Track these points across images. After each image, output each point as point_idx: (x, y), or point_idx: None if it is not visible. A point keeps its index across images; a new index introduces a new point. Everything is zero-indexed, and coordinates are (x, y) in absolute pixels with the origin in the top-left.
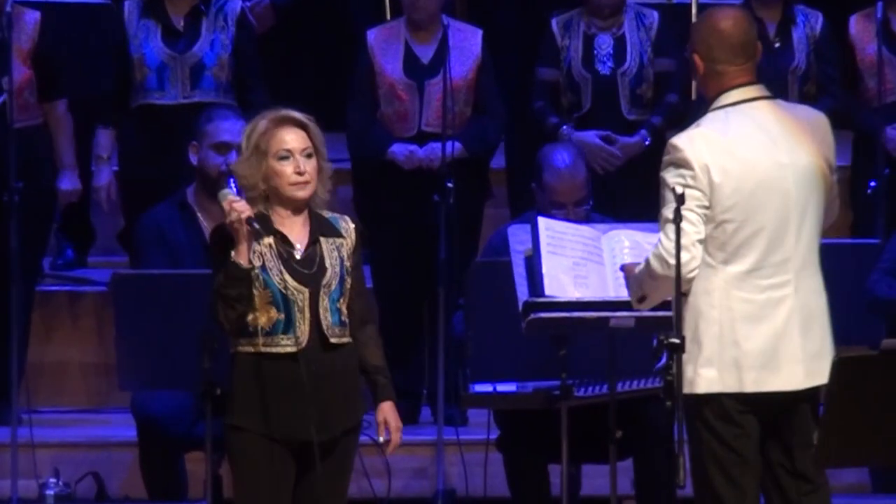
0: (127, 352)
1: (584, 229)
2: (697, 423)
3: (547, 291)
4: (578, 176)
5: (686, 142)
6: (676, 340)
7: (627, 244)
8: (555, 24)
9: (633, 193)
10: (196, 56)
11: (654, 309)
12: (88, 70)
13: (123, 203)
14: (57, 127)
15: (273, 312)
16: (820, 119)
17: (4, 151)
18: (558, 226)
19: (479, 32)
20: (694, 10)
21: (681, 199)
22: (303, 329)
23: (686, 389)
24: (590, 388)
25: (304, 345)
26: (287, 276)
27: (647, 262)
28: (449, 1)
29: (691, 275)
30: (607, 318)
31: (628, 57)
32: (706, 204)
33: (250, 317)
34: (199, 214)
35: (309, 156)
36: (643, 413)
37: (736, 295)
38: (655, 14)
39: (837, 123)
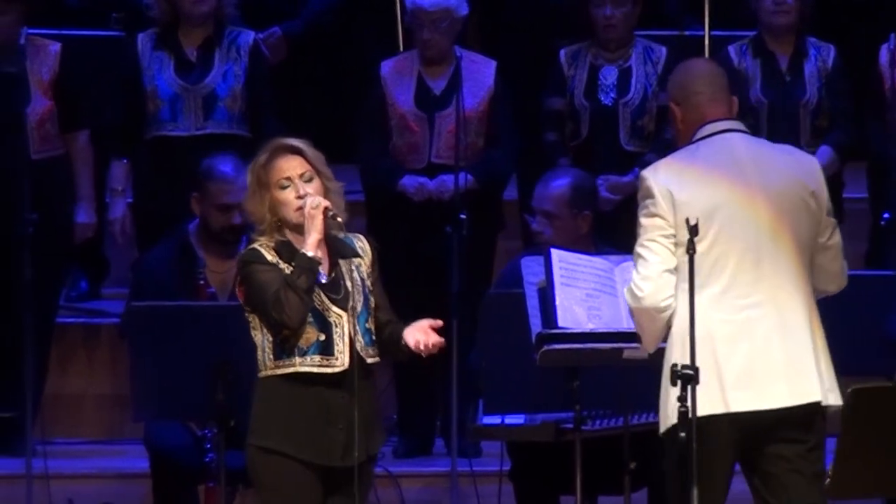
0: (141, 384)
1: (597, 261)
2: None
3: (560, 323)
4: (554, 189)
5: (650, 171)
6: (690, 371)
7: None
8: (563, 54)
9: (633, 227)
10: (209, 87)
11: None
12: (104, 102)
13: (137, 235)
14: (78, 158)
15: (311, 333)
16: (807, 158)
17: (20, 182)
18: (571, 257)
19: (493, 64)
20: (707, 42)
21: (694, 231)
22: (343, 351)
23: (672, 418)
24: (604, 421)
25: (346, 366)
26: (325, 298)
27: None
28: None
29: (664, 303)
30: (620, 350)
31: (632, 88)
32: (671, 231)
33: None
34: (199, 253)
35: (309, 179)
36: (657, 444)
37: (715, 317)
38: (664, 50)
39: (848, 158)
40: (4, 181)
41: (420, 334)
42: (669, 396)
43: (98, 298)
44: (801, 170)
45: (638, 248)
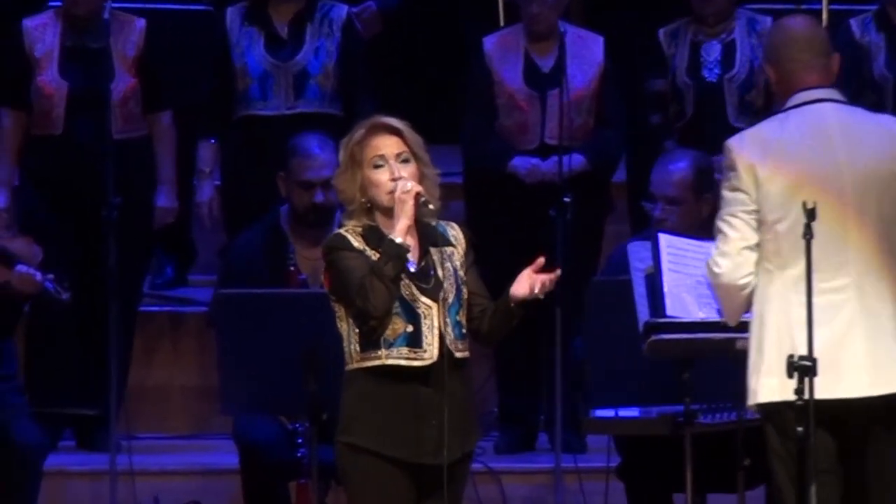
0: (229, 375)
1: (708, 246)
2: (766, 435)
3: (669, 312)
4: (676, 174)
5: (736, 141)
6: (808, 363)
7: None
8: (661, 34)
9: None
10: (300, 64)
11: None
12: (190, 80)
13: (226, 219)
14: (160, 140)
15: (399, 324)
16: None
17: (103, 164)
18: (680, 242)
19: (601, 39)
20: (825, 17)
21: (811, 215)
22: (431, 343)
23: (750, 401)
24: (716, 415)
25: (435, 359)
26: (414, 288)
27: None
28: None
29: (742, 281)
30: (733, 340)
31: (737, 63)
32: (753, 207)
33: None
34: (290, 239)
35: (405, 161)
36: None
37: (794, 299)
38: (769, 20)
39: None
40: (87, 162)
41: (525, 281)
42: (751, 375)
43: (184, 285)
44: (895, 144)
45: (719, 222)
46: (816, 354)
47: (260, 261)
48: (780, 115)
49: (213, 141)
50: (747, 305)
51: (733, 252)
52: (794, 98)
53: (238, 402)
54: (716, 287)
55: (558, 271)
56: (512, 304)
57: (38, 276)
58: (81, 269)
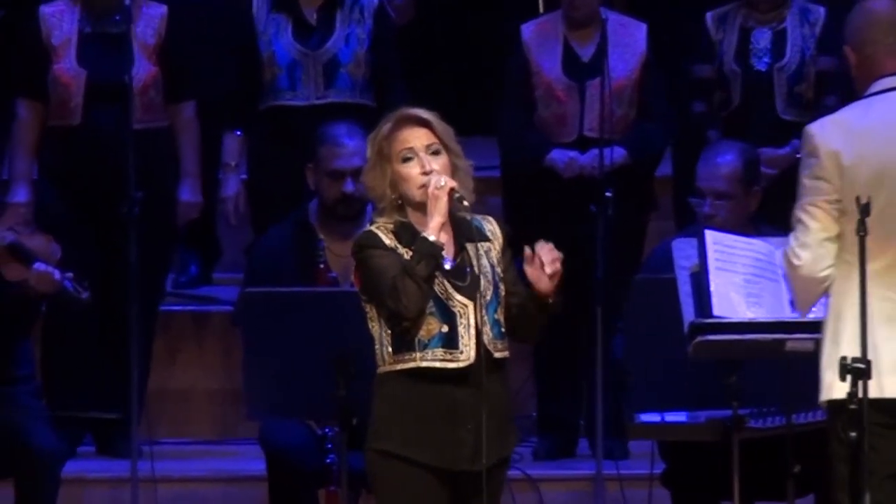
0: (255, 378)
1: (757, 243)
2: (836, 432)
3: (716, 311)
4: (725, 168)
5: (817, 128)
6: (862, 365)
7: None
8: (709, 18)
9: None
10: (330, 52)
11: None
12: (214, 69)
13: (252, 214)
14: (183, 131)
15: (434, 324)
16: None
17: (123, 156)
18: (728, 239)
19: (643, 27)
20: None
21: (865, 210)
22: (468, 344)
23: (823, 396)
24: (765, 420)
25: (471, 360)
26: (448, 286)
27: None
28: None
29: (821, 273)
30: (783, 341)
31: (788, 52)
32: (835, 197)
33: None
34: (320, 234)
35: (436, 153)
36: (824, 444)
37: (875, 293)
38: (822, 10)
39: None
40: (106, 153)
41: (535, 265)
42: (825, 369)
43: (209, 284)
44: None
45: (798, 212)
46: (887, 353)
47: (288, 258)
48: (863, 102)
49: (238, 133)
50: (822, 296)
51: (814, 243)
52: (877, 84)
53: (265, 406)
54: (793, 279)
55: (558, 255)
56: (532, 291)
57: (57, 274)
58: (101, 267)
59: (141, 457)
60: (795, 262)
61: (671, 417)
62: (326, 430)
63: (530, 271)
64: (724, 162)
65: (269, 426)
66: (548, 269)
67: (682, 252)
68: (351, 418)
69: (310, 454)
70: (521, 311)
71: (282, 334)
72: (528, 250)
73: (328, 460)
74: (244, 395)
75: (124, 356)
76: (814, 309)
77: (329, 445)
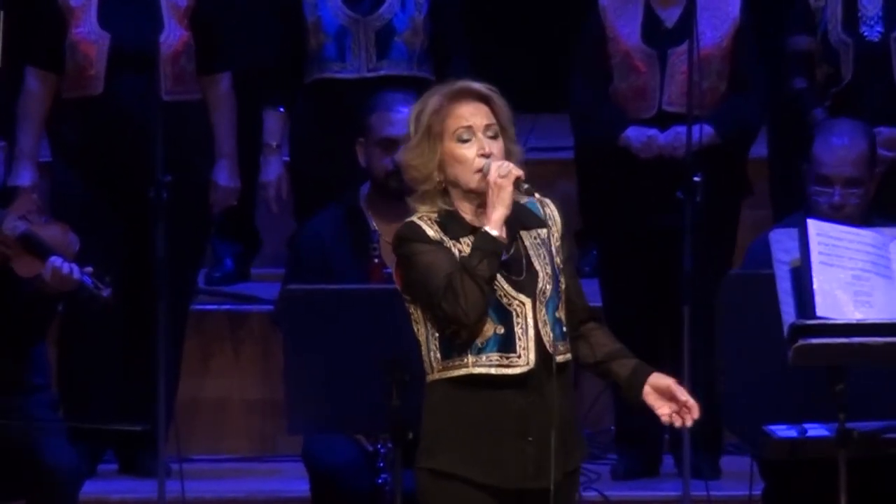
0: (298, 386)
1: (867, 235)
2: None
3: (819, 312)
4: (854, 150)
5: None
6: None
7: None
8: None
9: None
10: (384, 19)
11: None
12: (253, 36)
13: (296, 201)
14: (218, 107)
15: (488, 325)
16: None
17: (151, 131)
18: (833, 230)
19: None
20: None
21: None
22: (526, 346)
23: None
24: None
25: (531, 365)
26: (504, 282)
27: None
28: None
29: None
30: None
31: None
32: None
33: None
34: (371, 220)
35: (494, 136)
36: None
37: None
38: None
39: None
40: (131, 129)
41: (669, 404)
42: None
43: (246, 280)
44: None
45: None
46: None
47: (338, 250)
48: None
49: (281, 110)
50: None
51: None
52: None
53: (308, 419)
54: None
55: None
56: (639, 397)
57: (75, 269)
58: (125, 261)
59: (169, 476)
60: None
61: (814, 432)
62: (378, 446)
63: (658, 398)
64: (853, 144)
65: (313, 441)
66: (687, 422)
67: (782, 244)
68: (406, 432)
69: (359, 473)
70: (577, 354)
71: (328, 337)
72: (667, 384)
73: (380, 480)
74: (285, 406)
75: (151, 361)
76: None
77: (381, 464)
